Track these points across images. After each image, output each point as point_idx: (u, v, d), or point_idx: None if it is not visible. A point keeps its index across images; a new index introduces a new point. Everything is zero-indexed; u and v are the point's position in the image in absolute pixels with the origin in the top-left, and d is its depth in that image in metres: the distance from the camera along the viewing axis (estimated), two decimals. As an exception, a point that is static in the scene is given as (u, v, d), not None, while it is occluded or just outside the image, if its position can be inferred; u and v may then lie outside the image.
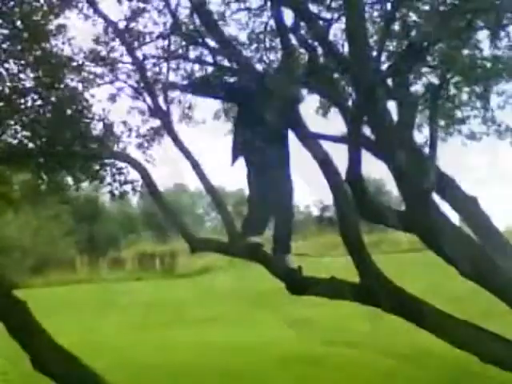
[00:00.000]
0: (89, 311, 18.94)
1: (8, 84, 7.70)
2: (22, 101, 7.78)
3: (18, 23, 7.73)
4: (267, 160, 6.28)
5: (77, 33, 8.09)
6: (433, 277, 16.18)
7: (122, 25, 7.69)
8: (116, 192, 8.36)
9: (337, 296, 6.77)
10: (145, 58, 7.89)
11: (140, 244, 33.83)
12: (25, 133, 7.82)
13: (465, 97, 9.03)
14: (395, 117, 7.11)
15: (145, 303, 19.87)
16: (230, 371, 10.86)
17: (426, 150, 7.48)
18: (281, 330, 14.45)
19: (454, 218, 7.52)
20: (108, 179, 8.33)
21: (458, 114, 9.27)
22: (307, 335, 13.55)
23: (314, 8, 7.86)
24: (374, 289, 6.31)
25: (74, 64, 7.92)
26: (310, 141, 6.58)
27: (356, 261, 6.36)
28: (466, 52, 8.18)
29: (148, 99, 7.32)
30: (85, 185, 9.10)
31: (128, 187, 8.35)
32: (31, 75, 7.85)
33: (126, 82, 7.93)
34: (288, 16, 7.20)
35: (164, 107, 7.08)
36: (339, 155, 6.83)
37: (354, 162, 6.05)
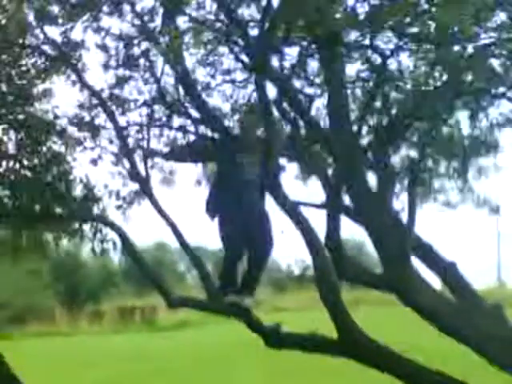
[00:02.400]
0: (67, 364, 18.76)
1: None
2: (4, 163, 7.88)
3: (3, 86, 7.90)
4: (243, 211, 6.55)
5: (62, 97, 8.21)
6: (411, 332, 16.22)
7: (106, 93, 7.82)
8: (97, 249, 8.42)
9: (317, 350, 6.89)
10: (128, 124, 8.01)
11: (120, 299, 33.63)
12: (5, 192, 7.92)
13: (442, 169, 9.23)
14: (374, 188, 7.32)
15: (122, 357, 19.71)
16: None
17: (403, 215, 7.64)
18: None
19: (435, 281, 7.69)
20: (89, 236, 8.39)
21: (435, 183, 9.46)
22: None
23: (297, 83, 8.11)
24: (351, 344, 6.44)
25: (58, 128, 8.03)
26: (290, 208, 6.74)
27: (333, 317, 6.49)
28: (445, 130, 8.43)
29: (127, 165, 7.47)
30: (65, 242, 9.14)
31: (108, 245, 8.42)
32: (13, 138, 7.98)
33: (106, 149, 8.00)
34: (272, 88, 7.42)
35: (143, 173, 7.28)
36: (318, 218, 7.02)
37: (333, 229, 6.21)
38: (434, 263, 7.56)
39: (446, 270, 7.49)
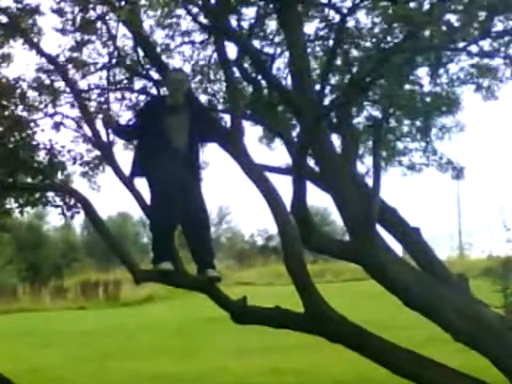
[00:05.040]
0: (30, 340, 18.54)
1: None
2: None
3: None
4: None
5: (22, 61, 8.04)
6: (375, 306, 16.30)
7: (63, 57, 7.65)
8: (68, 213, 8.24)
9: (281, 325, 6.81)
10: (89, 88, 7.87)
11: (83, 273, 33.30)
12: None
13: (405, 129, 9.22)
14: (338, 149, 7.24)
15: (87, 332, 19.55)
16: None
17: (368, 179, 7.59)
18: (226, 359, 14.33)
19: (397, 248, 7.65)
20: (55, 203, 8.24)
21: (399, 145, 9.44)
22: (253, 363, 13.46)
23: (256, 43, 8.04)
24: (317, 318, 6.36)
25: (18, 91, 7.86)
26: (255, 172, 6.61)
27: (300, 290, 6.41)
28: (407, 87, 8.39)
29: (89, 131, 7.27)
30: (28, 209, 8.97)
31: (78, 209, 8.26)
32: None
33: (66, 117, 7.81)
34: (232, 49, 7.35)
35: (105, 139, 7.06)
36: (283, 185, 6.91)
37: (299, 194, 6.12)
38: (397, 229, 7.50)
39: (409, 236, 7.45)
